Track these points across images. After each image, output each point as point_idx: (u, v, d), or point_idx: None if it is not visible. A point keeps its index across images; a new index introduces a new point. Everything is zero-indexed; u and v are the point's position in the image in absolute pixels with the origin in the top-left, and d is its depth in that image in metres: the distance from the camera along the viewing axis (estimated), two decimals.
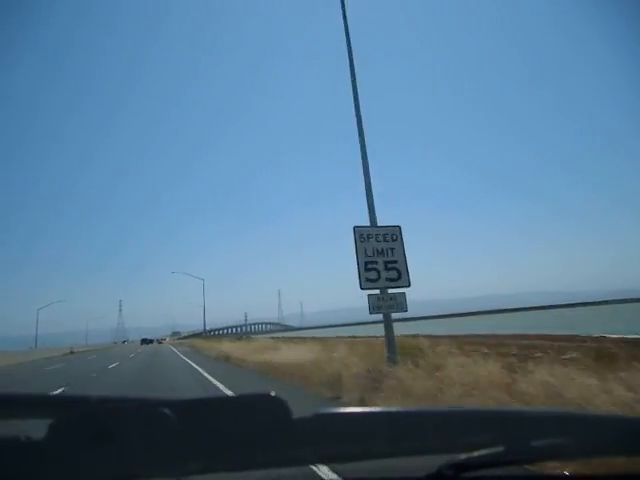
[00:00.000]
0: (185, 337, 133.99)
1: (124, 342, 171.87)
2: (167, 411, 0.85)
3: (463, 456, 0.99)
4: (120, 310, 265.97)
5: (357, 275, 8.58)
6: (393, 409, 1.00)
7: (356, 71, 10.35)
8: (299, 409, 0.90)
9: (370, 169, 9.56)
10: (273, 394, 0.91)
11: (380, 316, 8.82)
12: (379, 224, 9.16)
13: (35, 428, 0.83)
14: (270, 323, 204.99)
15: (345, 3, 10.63)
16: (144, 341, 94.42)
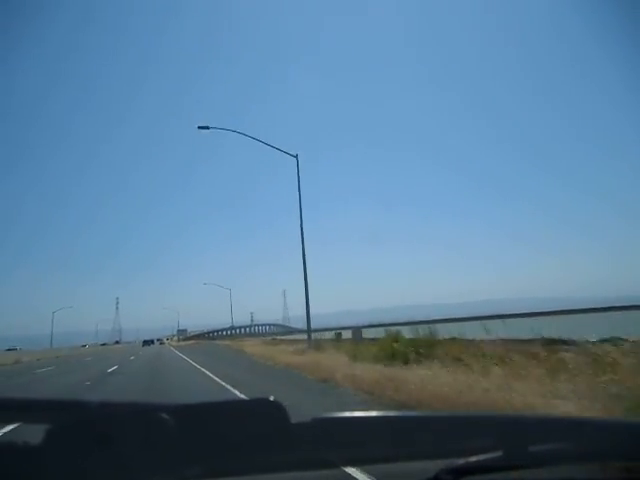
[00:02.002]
0: (190, 337, 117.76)
1: (116, 343, 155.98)
2: (166, 416, 0.86)
3: (461, 461, 0.99)
4: (117, 308, 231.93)
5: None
6: (391, 414, 1.01)
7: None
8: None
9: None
10: (272, 399, 0.91)
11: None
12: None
13: (32, 433, 0.84)
14: (274, 324, 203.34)
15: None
16: (146, 342, 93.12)
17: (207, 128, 22.66)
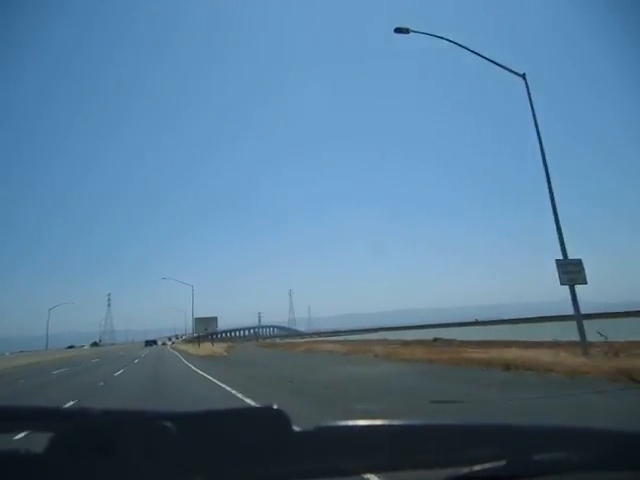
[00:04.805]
0: (195, 338, 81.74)
1: (94, 344, 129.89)
2: (169, 424, 0.86)
3: (465, 470, 0.99)
4: (109, 305, 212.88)
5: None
6: (395, 422, 1.00)
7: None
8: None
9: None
10: (275, 407, 0.91)
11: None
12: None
13: (36, 442, 0.84)
14: (278, 327, 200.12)
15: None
16: (148, 343, 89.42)
17: (407, 32, 16.87)
